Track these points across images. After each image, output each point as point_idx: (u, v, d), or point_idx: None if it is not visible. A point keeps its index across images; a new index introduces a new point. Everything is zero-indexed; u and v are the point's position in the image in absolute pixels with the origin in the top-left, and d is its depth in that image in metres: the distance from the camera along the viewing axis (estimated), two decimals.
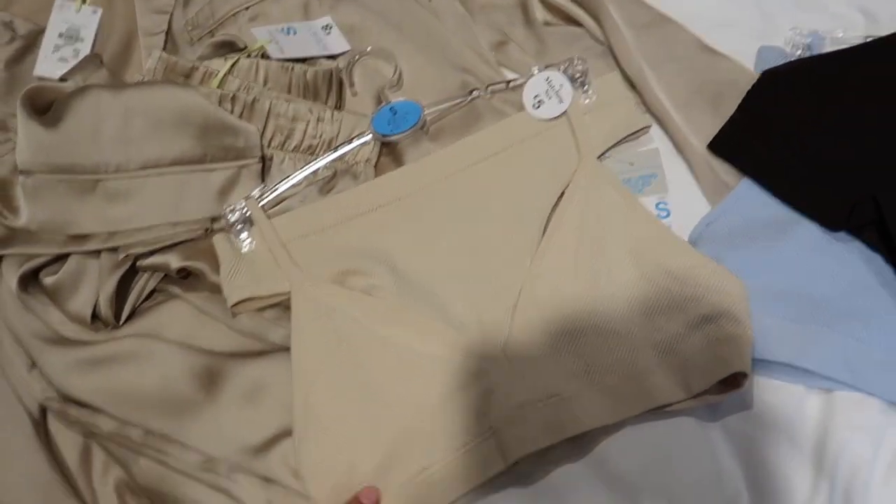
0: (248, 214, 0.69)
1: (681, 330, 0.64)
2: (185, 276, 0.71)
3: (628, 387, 0.63)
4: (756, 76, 0.76)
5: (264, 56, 0.78)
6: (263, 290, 0.68)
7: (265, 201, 0.71)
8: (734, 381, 0.63)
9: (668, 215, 0.73)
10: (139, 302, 0.70)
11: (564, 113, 0.73)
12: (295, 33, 0.80)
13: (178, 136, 0.70)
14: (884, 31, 0.77)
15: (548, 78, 0.74)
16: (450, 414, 0.63)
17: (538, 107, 0.73)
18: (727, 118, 0.74)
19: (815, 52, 0.76)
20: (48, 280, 0.69)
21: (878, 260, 0.68)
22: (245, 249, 0.69)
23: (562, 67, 0.74)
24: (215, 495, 0.65)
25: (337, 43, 0.81)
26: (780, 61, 0.77)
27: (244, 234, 0.69)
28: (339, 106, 0.79)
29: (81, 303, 0.69)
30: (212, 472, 0.64)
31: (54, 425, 0.69)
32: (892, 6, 0.80)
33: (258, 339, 0.69)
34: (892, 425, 0.63)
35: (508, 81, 0.76)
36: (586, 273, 0.66)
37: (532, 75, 0.74)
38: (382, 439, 0.63)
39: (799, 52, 0.77)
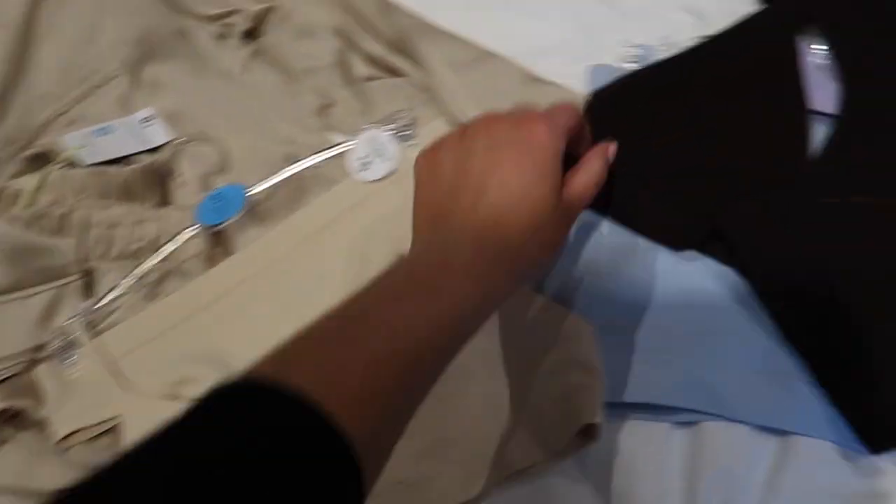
0: (72, 337, 0.66)
1: (531, 385, 0.61)
2: (13, 417, 0.67)
3: (481, 456, 0.59)
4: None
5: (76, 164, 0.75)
6: (91, 419, 0.64)
7: (90, 318, 0.67)
8: (589, 432, 0.59)
9: None
10: None
11: (392, 171, 0.70)
12: (110, 133, 0.77)
13: None
14: (714, 29, 0.74)
15: (371, 138, 0.71)
16: None
17: (364, 169, 0.70)
18: None
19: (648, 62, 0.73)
20: None
21: (729, 275, 0.64)
22: (75, 375, 0.65)
23: (383, 125, 0.71)
24: None
25: (158, 135, 0.78)
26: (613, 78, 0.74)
27: (72, 359, 0.66)
28: (165, 201, 0.75)
29: None
30: None
31: None
32: (720, 2, 0.77)
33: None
34: (762, 449, 0.59)
35: (333, 146, 0.73)
36: None
37: (351, 139, 0.71)
38: None
39: (631, 65, 0.74)
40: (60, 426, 0.64)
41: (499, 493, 0.60)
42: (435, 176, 0.56)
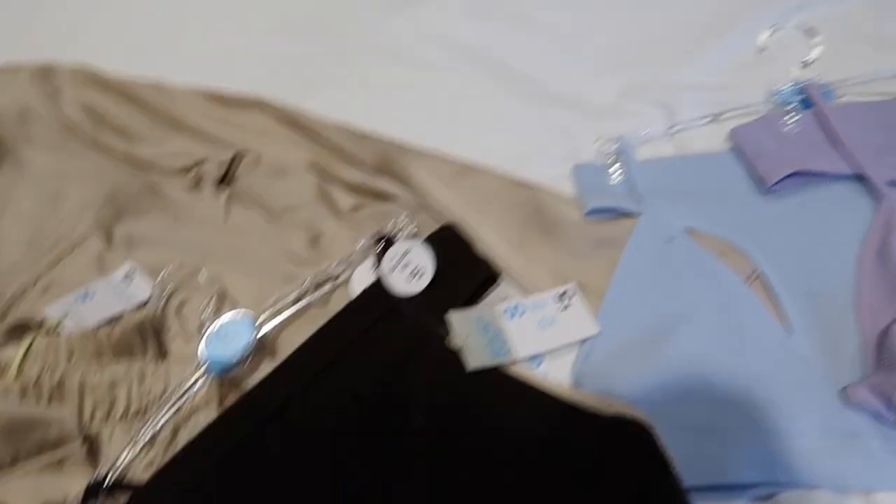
0: None
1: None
2: None
3: None
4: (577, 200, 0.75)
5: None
6: None
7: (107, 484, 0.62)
8: None
9: (539, 364, 0.68)
10: None
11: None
12: (92, 297, 0.74)
13: None
14: (684, 119, 0.78)
15: (402, 251, 0.70)
16: None
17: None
18: (564, 244, 0.72)
19: (627, 154, 0.76)
20: None
21: (772, 340, 0.65)
22: None
23: (397, 232, 0.70)
24: None
25: (142, 289, 0.75)
26: (599, 173, 0.76)
27: None
28: (163, 354, 0.72)
29: None
30: None
31: None
32: (688, 98, 0.82)
33: None
34: None
35: (336, 276, 0.72)
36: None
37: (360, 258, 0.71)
38: None
39: (613, 158, 0.77)
40: None
41: None
42: None
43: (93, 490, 0.61)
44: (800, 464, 0.59)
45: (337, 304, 0.71)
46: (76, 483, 0.62)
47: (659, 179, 0.75)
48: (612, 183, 0.76)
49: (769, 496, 0.60)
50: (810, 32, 0.84)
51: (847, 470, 0.59)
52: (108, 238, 0.78)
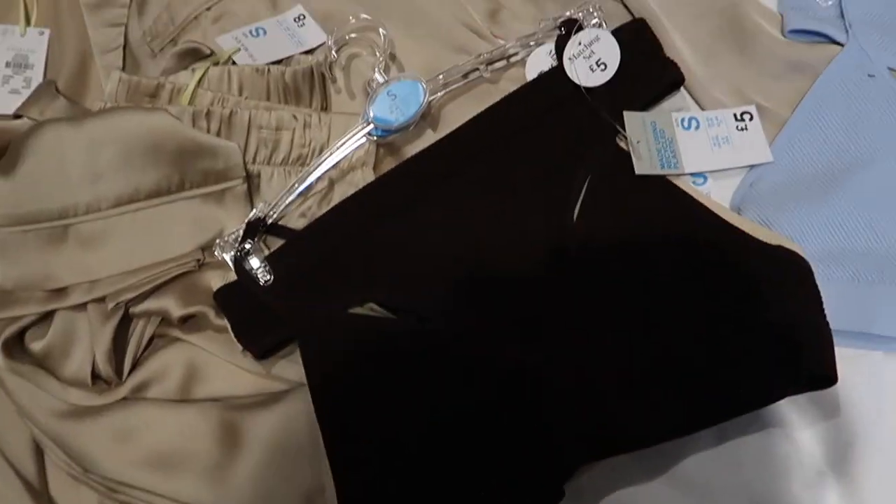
0: (250, 245, 0.63)
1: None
2: (187, 320, 0.64)
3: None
4: (779, 16, 0.70)
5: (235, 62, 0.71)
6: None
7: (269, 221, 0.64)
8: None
9: (704, 181, 0.66)
10: (140, 352, 0.64)
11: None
12: (265, 33, 0.73)
13: (152, 165, 0.63)
14: None
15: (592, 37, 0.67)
16: None
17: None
18: (755, 61, 0.68)
19: None
20: (36, 346, 0.63)
21: None
22: (263, 280, 0.62)
23: (585, 18, 0.68)
24: None
25: (313, 34, 0.74)
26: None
27: (255, 262, 0.62)
28: (325, 107, 0.72)
29: (77, 365, 0.62)
30: None
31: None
32: None
33: (272, 377, 0.63)
34: None
35: (512, 55, 0.69)
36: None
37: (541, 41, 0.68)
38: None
39: None
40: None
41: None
42: None
43: (251, 227, 0.63)
44: None
45: (510, 85, 0.69)
46: (234, 218, 0.65)
47: (873, 9, 0.69)
48: (822, 3, 0.70)
49: None
50: None
51: None
52: None
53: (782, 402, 0.59)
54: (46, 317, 0.64)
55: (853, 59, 0.67)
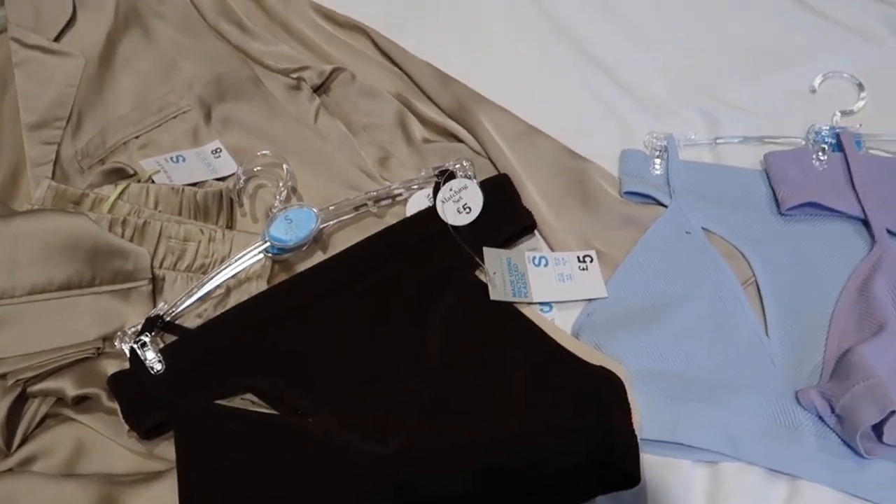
0: (147, 338, 0.68)
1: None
2: (80, 401, 0.69)
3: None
4: (617, 179, 0.82)
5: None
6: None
7: (163, 322, 0.70)
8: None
9: (550, 310, 0.75)
10: (31, 428, 0.68)
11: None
12: (184, 160, 0.82)
13: (67, 261, 0.69)
14: (723, 132, 0.86)
15: (459, 186, 0.77)
16: None
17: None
18: (596, 215, 0.79)
19: (672, 151, 0.83)
20: None
21: (750, 337, 0.72)
22: (155, 369, 0.67)
23: (458, 170, 0.78)
24: None
25: (226, 165, 0.82)
26: (643, 162, 0.83)
27: (150, 354, 0.68)
28: (230, 225, 0.79)
29: None
30: None
31: None
32: (734, 117, 0.89)
33: (153, 457, 0.67)
34: (773, 490, 0.66)
35: (396, 195, 0.79)
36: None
37: (421, 186, 0.78)
38: None
39: (658, 153, 0.83)
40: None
41: None
42: None
43: (150, 323, 0.69)
44: (744, 441, 0.66)
45: (392, 219, 0.78)
46: (137, 314, 0.71)
47: (692, 180, 0.81)
48: (652, 173, 0.82)
49: (712, 462, 0.67)
50: (859, 87, 0.89)
51: (783, 455, 0.66)
52: (208, 115, 0.86)
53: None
54: None
55: (674, 219, 0.78)
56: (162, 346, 0.69)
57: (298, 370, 0.69)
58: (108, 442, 0.67)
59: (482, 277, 0.73)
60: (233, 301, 0.74)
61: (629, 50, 0.96)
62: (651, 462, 0.67)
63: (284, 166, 0.80)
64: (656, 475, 0.67)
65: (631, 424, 0.64)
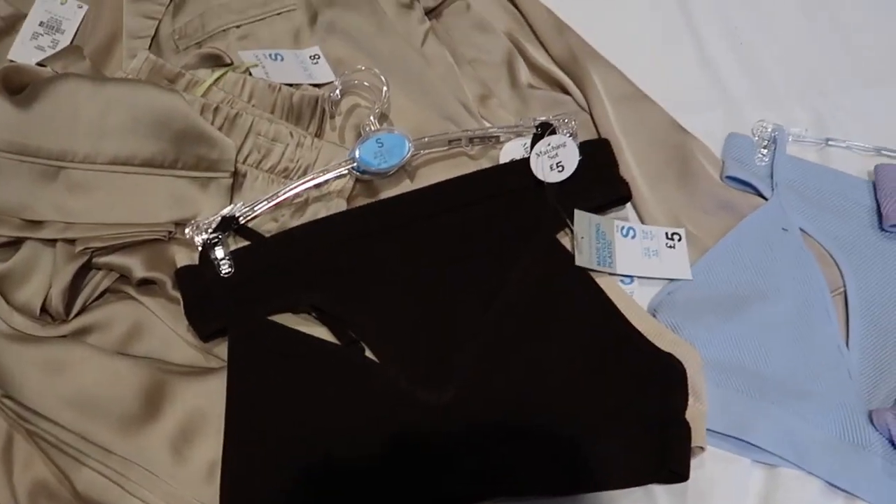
0: (219, 236, 0.65)
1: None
2: (144, 283, 0.66)
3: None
4: (720, 161, 0.78)
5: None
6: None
7: (241, 220, 0.67)
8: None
9: (631, 282, 0.71)
10: (91, 299, 0.65)
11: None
12: (282, 59, 0.77)
13: (154, 138, 0.66)
14: (835, 135, 0.80)
15: (559, 142, 0.72)
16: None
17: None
18: (692, 194, 0.75)
19: (780, 143, 0.78)
20: None
21: (830, 346, 0.68)
22: (223, 271, 0.64)
23: (560, 126, 0.73)
24: None
25: (323, 73, 0.78)
26: (748, 149, 0.78)
27: (220, 253, 0.65)
28: (319, 134, 0.75)
29: (31, 293, 0.63)
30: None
31: None
32: (846, 117, 0.83)
33: (206, 352, 0.65)
34: (829, 502, 0.63)
35: (492, 136, 0.74)
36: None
37: (520, 133, 0.74)
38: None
39: (765, 143, 0.78)
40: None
41: None
42: None
43: (225, 222, 0.66)
44: (808, 449, 0.63)
45: (485, 162, 0.74)
46: (213, 205, 0.67)
47: (796, 177, 0.76)
48: (757, 162, 0.77)
49: (771, 466, 0.64)
50: None
51: (846, 471, 0.62)
52: (313, 18, 0.81)
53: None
54: (14, 243, 0.65)
55: (773, 213, 0.73)
56: (234, 247, 0.66)
57: (366, 296, 0.65)
58: (166, 328, 0.65)
59: (566, 240, 0.69)
60: (310, 213, 0.70)
61: (754, 30, 0.90)
62: (710, 454, 0.63)
63: (384, 85, 0.75)
64: (713, 468, 0.63)
65: (685, 421, 0.60)
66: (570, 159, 0.71)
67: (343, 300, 0.65)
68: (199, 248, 0.65)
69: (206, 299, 0.64)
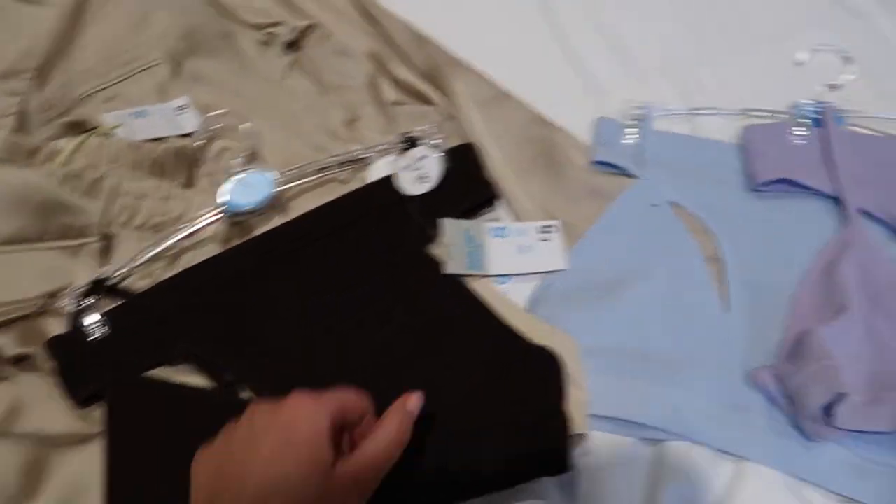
0: (90, 301, 0.66)
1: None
2: (19, 360, 0.66)
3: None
4: (586, 147, 0.77)
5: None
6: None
7: (114, 281, 0.67)
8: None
9: (507, 281, 0.71)
10: None
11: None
12: (146, 115, 0.78)
13: (15, 215, 0.66)
14: (704, 104, 0.80)
15: (419, 154, 0.73)
16: None
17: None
18: (560, 185, 0.75)
19: (647, 122, 0.78)
20: None
21: (708, 313, 0.68)
22: (96, 334, 0.65)
23: (423, 137, 0.73)
24: None
25: (191, 122, 0.78)
26: (615, 131, 0.78)
27: (93, 317, 0.65)
28: (189, 184, 0.76)
29: None
30: None
31: None
32: (716, 90, 0.83)
33: (88, 420, 0.64)
34: (718, 470, 0.62)
35: (360, 159, 0.75)
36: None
37: (387, 150, 0.74)
38: None
39: (633, 123, 0.78)
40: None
41: None
42: (208, 473, 0.51)
43: (95, 286, 0.66)
44: (691, 420, 0.62)
45: (356, 184, 0.74)
46: (83, 273, 0.68)
47: (665, 151, 0.76)
48: (624, 143, 0.77)
49: (658, 441, 0.63)
50: (847, 60, 0.83)
51: (730, 435, 0.62)
52: (176, 69, 0.81)
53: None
54: None
55: (642, 191, 0.73)
56: (107, 308, 0.66)
57: (246, 336, 0.66)
58: (45, 401, 0.64)
59: (436, 250, 0.69)
60: (184, 263, 0.71)
61: (612, 18, 0.90)
62: (597, 439, 0.63)
63: (248, 124, 0.76)
64: (601, 452, 0.63)
65: (563, 411, 0.60)
66: (434, 169, 0.72)
67: (221, 343, 0.65)
68: (70, 316, 0.66)
69: (78, 364, 0.64)
